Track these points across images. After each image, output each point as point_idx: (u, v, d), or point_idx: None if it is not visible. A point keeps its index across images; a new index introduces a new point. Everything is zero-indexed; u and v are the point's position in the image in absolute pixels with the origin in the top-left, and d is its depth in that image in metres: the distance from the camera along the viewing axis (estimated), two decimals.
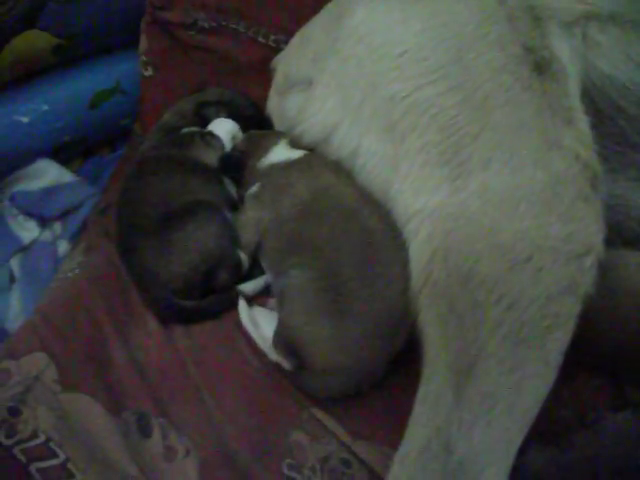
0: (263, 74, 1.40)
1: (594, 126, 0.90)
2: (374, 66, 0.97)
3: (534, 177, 0.84)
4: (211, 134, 1.27)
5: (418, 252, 0.88)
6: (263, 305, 1.12)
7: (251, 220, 1.11)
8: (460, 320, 0.82)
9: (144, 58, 1.54)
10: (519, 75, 0.89)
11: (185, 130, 1.30)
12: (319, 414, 0.97)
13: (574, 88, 0.91)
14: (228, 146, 1.27)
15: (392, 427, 0.86)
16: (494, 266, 0.81)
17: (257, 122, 1.36)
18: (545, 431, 0.85)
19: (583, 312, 0.82)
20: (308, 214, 1.02)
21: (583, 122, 0.88)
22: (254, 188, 1.13)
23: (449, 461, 0.78)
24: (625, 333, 0.93)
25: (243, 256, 1.12)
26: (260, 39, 1.46)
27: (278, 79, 1.31)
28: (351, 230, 0.97)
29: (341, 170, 1.03)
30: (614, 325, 0.92)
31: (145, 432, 0.94)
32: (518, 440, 0.79)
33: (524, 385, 0.79)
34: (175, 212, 1.11)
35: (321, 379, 0.96)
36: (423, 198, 0.89)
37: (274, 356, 0.99)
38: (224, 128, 1.29)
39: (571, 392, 0.96)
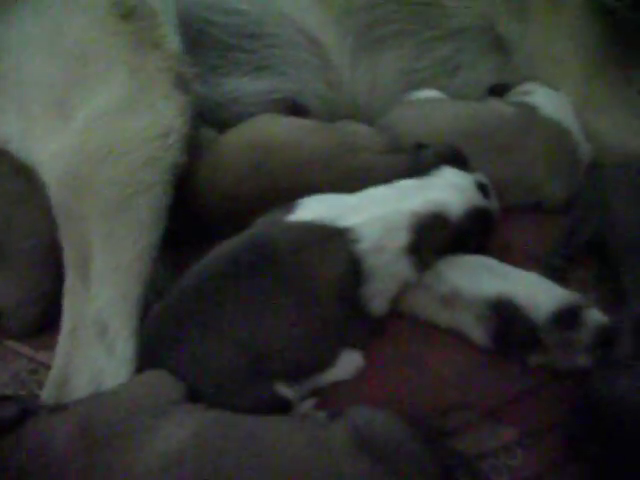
0: None
1: (196, 42, 1.30)
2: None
3: (125, 92, 1.13)
4: None
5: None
6: None
7: None
8: (74, 224, 1.05)
9: None
10: (106, 26, 1.18)
11: None
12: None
13: (164, 20, 1.21)
14: None
15: None
16: (98, 173, 1.05)
17: None
18: None
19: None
20: None
21: (173, 43, 1.21)
22: None
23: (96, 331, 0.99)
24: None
25: None
26: None
27: None
28: None
29: None
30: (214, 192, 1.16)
31: None
32: (134, 292, 1.00)
33: (123, 245, 1.02)
34: None
35: None
36: (46, 146, 1.11)
37: None
38: None
39: None
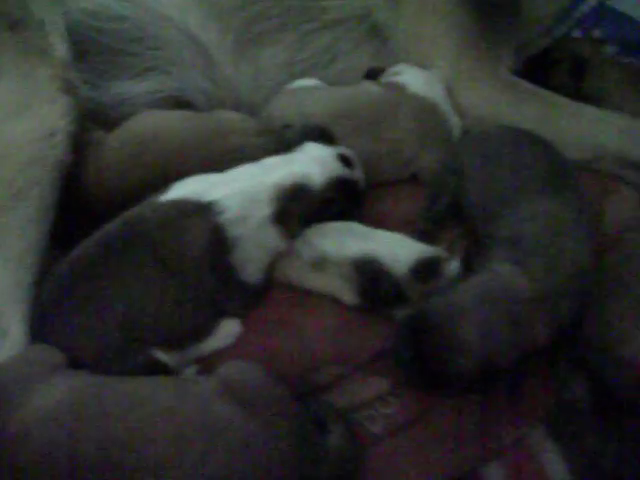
0: None
1: (85, 49, 1.40)
2: None
3: (12, 98, 1.21)
4: None
5: None
6: None
7: None
8: None
9: None
10: None
11: None
12: None
13: (51, 29, 1.31)
14: None
15: None
16: None
17: None
18: None
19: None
20: None
21: (60, 51, 1.31)
22: None
23: None
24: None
25: None
26: None
27: None
28: None
29: None
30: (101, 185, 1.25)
31: None
32: (26, 281, 1.08)
33: (13, 239, 1.10)
34: None
35: None
36: None
37: None
38: None
39: None
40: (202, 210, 1.05)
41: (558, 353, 1.08)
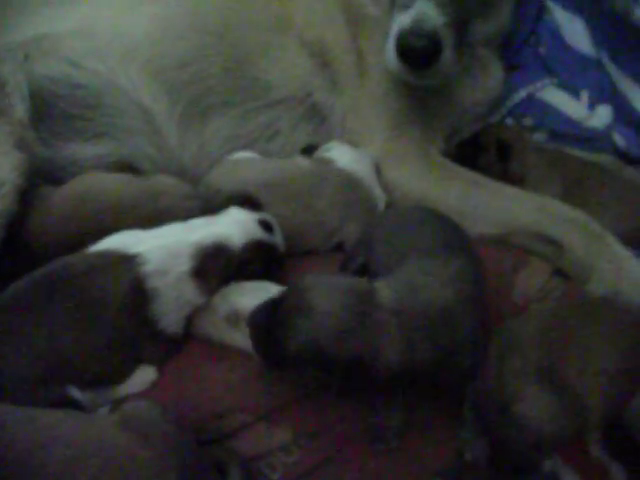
0: None
1: (44, 111, 1.54)
2: None
3: None
4: None
5: None
6: None
7: None
8: None
9: None
10: None
11: None
12: None
13: (11, 91, 1.49)
14: None
15: None
16: None
17: None
18: None
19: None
20: None
21: (18, 111, 1.48)
22: None
23: None
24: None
25: None
26: None
27: None
28: None
29: None
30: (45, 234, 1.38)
31: None
32: None
33: None
34: None
35: None
36: None
37: None
38: None
39: None
40: (126, 261, 1.17)
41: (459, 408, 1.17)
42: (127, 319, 1.15)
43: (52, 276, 1.16)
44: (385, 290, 1.09)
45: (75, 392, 1.10)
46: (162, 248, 1.19)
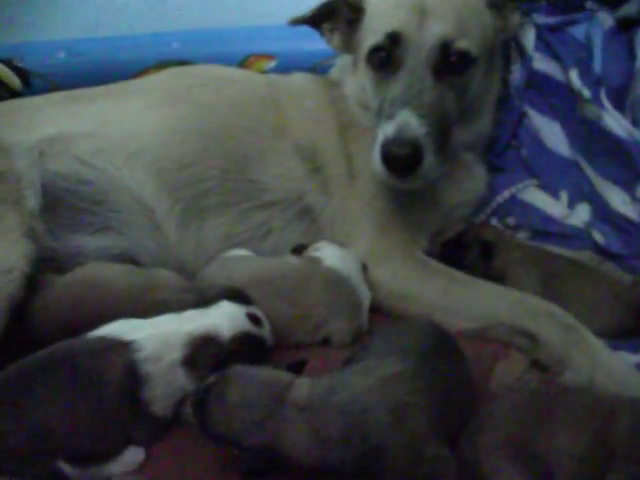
0: None
1: (54, 204, 1.70)
2: None
3: None
4: None
5: None
6: None
7: None
8: None
9: None
10: None
11: None
12: None
13: (25, 185, 1.64)
14: None
15: None
16: None
17: None
18: None
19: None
20: None
21: (30, 202, 1.63)
22: None
23: None
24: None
25: None
26: None
27: None
28: None
29: None
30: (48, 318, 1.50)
31: None
32: None
33: None
34: None
35: None
36: None
37: None
38: None
39: None
40: (122, 346, 1.28)
41: None
42: (121, 401, 1.24)
43: (54, 356, 1.27)
44: (303, 387, 1.16)
45: (66, 467, 1.19)
46: (156, 336, 1.30)
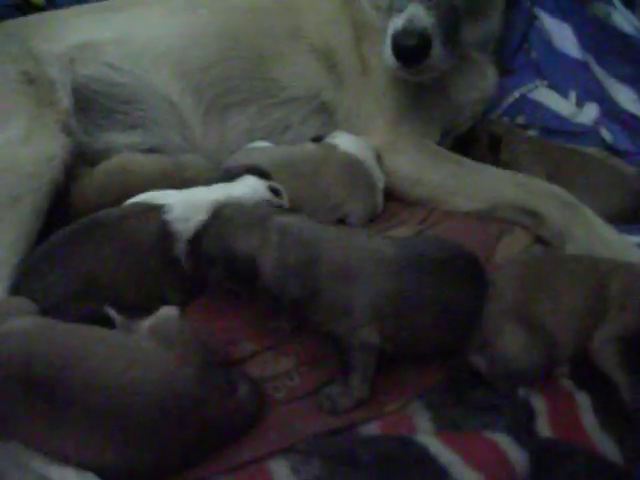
0: None
1: (87, 105, 1.89)
2: None
3: (23, 133, 1.67)
4: None
5: None
6: None
7: None
8: None
9: None
10: (15, 87, 1.77)
11: None
12: None
13: (58, 87, 1.83)
14: None
15: None
16: None
17: None
18: None
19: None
20: None
21: (64, 103, 1.82)
22: None
23: None
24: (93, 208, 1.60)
25: None
26: None
27: None
28: None
29: None
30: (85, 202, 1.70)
31: None
32: (12, 260, 1.49)
33: (8, 230, 1.52)
34: None
35: None
36: None
37: None
38: None
39: None
40: (154, 209, 1.46)
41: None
42: (155, 255, 1.43)
43: (93, 221, 1.45)
44: (288, 216, 1.37)
45: (112, 312, 1.36)
46: (185, 201, 1.47)
